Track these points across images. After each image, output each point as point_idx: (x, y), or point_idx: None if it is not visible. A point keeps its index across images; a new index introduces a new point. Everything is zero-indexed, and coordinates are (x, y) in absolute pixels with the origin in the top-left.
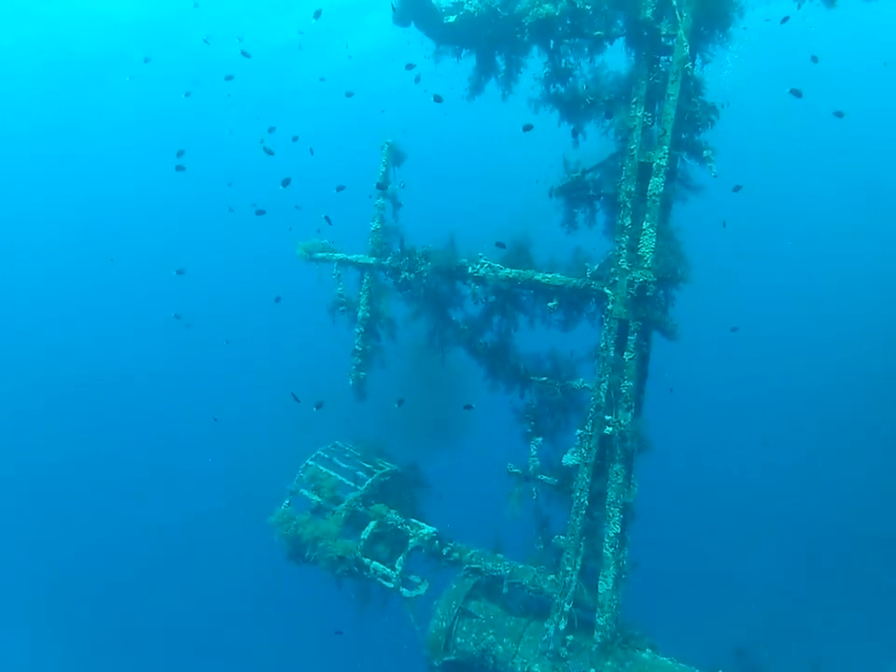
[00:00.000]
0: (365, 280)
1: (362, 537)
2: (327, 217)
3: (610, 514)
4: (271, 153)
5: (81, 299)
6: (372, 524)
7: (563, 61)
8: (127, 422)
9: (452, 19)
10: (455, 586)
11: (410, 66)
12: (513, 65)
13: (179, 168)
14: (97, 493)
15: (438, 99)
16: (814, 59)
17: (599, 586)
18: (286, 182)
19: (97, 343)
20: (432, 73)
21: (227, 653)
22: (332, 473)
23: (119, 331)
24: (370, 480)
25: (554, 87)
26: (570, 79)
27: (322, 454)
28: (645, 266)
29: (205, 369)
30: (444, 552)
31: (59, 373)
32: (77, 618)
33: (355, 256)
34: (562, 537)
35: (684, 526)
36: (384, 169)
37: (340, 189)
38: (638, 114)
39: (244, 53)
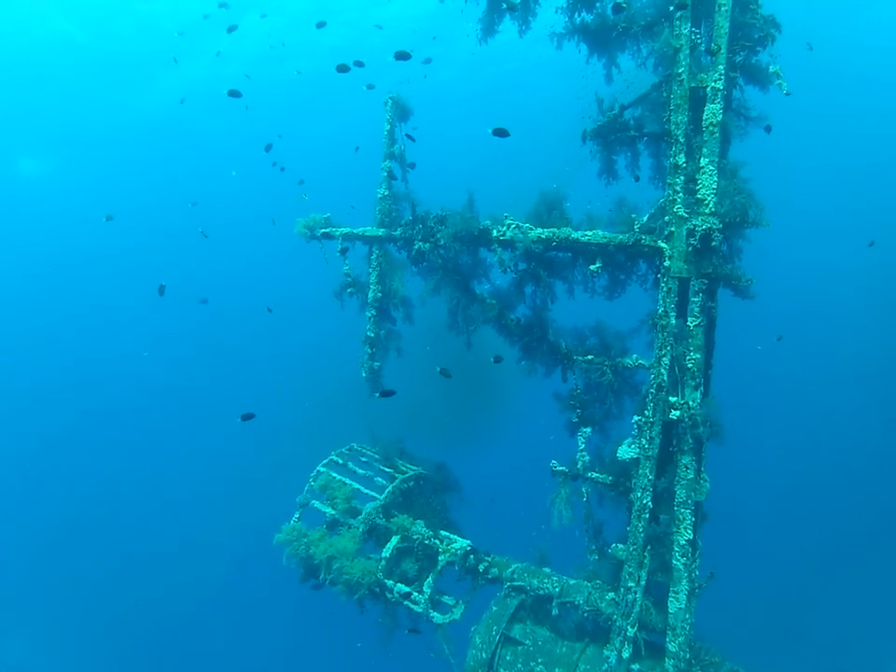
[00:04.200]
0: (374, 255)
1: (383, 555)
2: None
3: (680, 517)
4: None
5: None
6: (395, 538)
7: None
8: (125, 422)
9: None
10: (495, 608)
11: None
12: None
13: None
14: (95, 494)
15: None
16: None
17: (669, 605)
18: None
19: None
20: None
21: (225, 655)
22: (347, 481)
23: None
24: (390, 487)
25: (580, 15)
26: (598, 4)
27: (336, 458)
28: (707, 211)
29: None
30: (481, 568)
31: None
32: (76, 620)
33: (361, 229)
34: (621, 546)
35: (770, 525)
36: (388, 127)
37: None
38: (684, 31)
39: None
